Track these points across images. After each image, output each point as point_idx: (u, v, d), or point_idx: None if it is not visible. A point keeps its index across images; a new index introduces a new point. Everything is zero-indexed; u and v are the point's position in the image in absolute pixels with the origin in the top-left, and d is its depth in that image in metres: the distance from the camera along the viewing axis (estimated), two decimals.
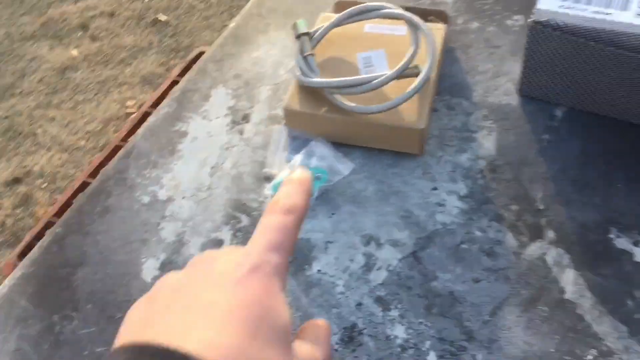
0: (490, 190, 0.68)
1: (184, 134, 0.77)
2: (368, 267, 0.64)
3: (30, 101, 2.24)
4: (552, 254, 0.63)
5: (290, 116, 0.73)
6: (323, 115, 0.71)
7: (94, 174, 1.07)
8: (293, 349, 0.31)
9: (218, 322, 0.28)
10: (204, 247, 0.67)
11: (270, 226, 0.34)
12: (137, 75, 2.26)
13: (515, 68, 0.79)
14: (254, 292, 0.30)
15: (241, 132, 0.76)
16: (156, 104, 1.11)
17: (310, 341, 0.34)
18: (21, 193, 1.95)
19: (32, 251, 0.68)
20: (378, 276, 0.63)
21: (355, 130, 0.71)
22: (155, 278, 0.65)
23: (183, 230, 0.68)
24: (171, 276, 0.33)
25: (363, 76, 0.70)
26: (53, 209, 1.07)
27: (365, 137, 0.71)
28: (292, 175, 0.37)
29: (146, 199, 0.71)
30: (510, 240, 0.64)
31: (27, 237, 1.07)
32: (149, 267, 0.66)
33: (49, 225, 1.00)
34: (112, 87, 2.24)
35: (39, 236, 1.00)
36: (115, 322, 0.62)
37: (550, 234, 0.64)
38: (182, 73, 1.15)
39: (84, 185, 1.06)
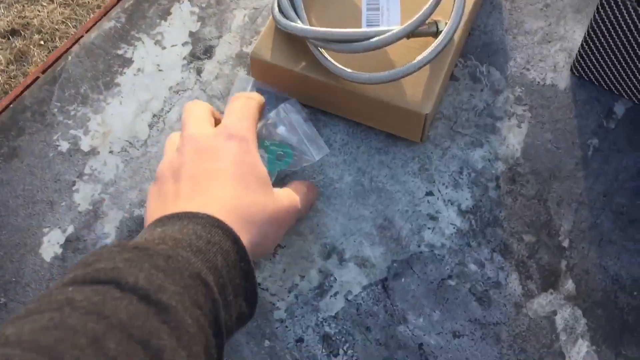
0: (502, 208, 0.51)
1: (128, 62, 0.60)
2: (322, 290, 0.49)
3: None
4: (565, 315, 0.47)
5: (258, 66, 0.55)
6: (300, 74, 0.53)
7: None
8: (275, 192, 0.43)
9: (220, 184, 0.40)
10: (121, 227, 0.52)
11: (236, 106, 0.45)
12: None
13: (574, 33, 0.59)
14: (237, 154, 0.42)
15: (199, 72, 0.59)
16: None
17: (289, 190, 0.46)
18: (16, 48, 1.80)
19: None
20: (332, 305, 0.49)
21: (340, 98, 0.53)
22: (56, 259, 0.51)
23: (101, 197, 0.53)
24: (164, 165, 0.43)
25: (361, 30, 0.51)
26: (40, 68, 0.85)
27: (353, 109, 0.54)
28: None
29: (64, 146, 0.56)
30: (514, 284, 0.49)
31: None
32: (50, 241, 0.52)
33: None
34: None
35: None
36: None
37: (569, 286, 0.48)
38: None
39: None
